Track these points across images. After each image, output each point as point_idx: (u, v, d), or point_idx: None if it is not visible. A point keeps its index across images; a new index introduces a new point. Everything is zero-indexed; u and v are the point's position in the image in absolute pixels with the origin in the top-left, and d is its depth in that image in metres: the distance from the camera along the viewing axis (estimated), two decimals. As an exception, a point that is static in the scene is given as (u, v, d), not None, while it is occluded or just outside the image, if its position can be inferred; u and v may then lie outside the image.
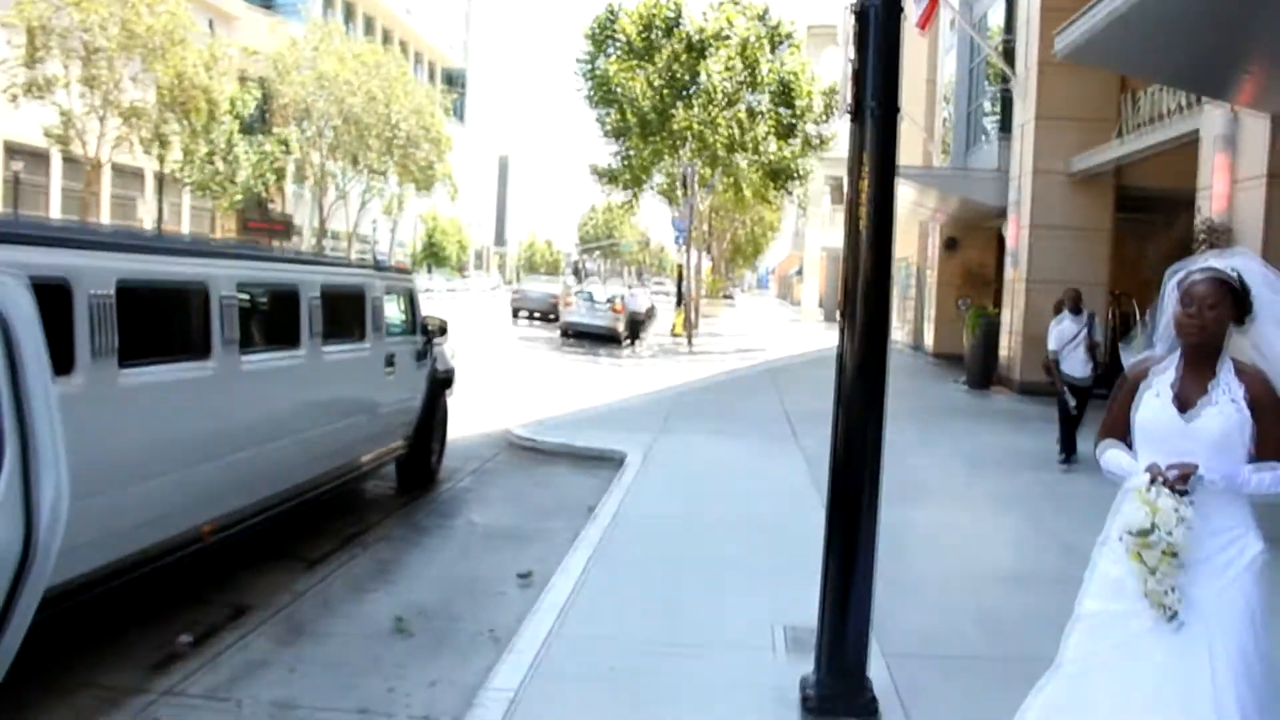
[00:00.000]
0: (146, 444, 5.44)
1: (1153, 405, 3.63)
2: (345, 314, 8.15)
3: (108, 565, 5.10)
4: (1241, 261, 3.60)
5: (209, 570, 6.68)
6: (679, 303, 37.36)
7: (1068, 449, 11.75)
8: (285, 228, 53.14)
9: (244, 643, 5.93)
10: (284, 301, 7.15)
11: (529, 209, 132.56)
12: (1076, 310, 11.86)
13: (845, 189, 4.87)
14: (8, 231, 4.56)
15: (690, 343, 31.85)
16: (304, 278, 7.36)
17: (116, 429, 5.18)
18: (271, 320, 7.04)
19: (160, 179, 41.01)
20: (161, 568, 5.71)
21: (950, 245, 26.81)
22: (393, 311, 9.37)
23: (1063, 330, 11.78)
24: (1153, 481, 3.48)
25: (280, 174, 49.34)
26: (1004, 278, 21.29)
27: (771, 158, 32.92)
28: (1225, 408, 3.51)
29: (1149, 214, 18.19)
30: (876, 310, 4.76)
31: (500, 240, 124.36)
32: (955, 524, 9.31)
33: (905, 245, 31.42)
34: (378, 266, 9.92)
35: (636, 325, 33.25)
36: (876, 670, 5.08)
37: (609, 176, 35.01)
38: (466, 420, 12.79)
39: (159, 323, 5.71)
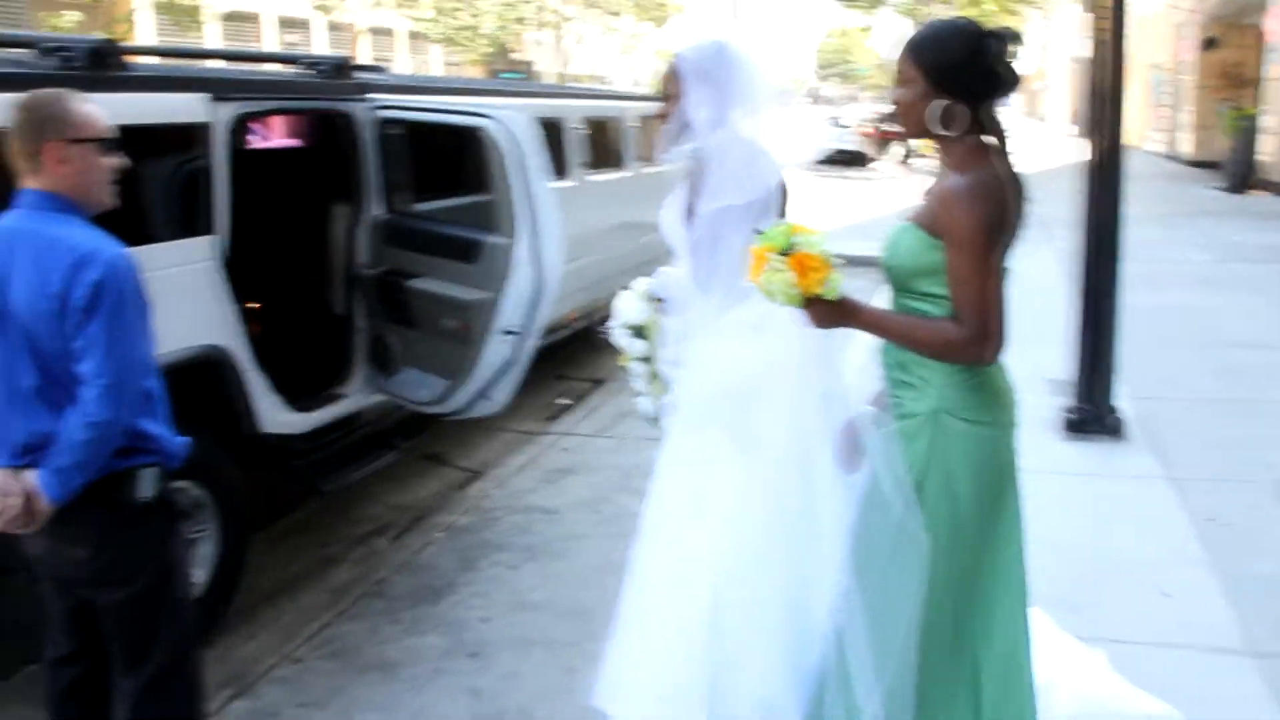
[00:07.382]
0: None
1: None
2: (649, 140, 9.58)
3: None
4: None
5: (563, 358, 8.28)
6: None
7: None
8: (528, 75, 54.99)
9: (612, 402, 7.55)
10: (610, 130, 8.57)
11: (758, 40, 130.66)
12: None
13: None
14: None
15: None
16: (623, 109, 8.81)
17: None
18: (604, 146, 8.42)
19: (412, 36, 43.10)
20: (551, 344, 7.18)
21: (1208, 45, 25.78)
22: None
23: None
24: None
25: (521, 21, 50.89)
26: (1264, 75, 20.75)
27: (1014, -35, 32.30)
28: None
29: None
30: (1114, 115, 5.80)
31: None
32: (1195, 304, 10.09)
33: (1155, 51, 30.35)
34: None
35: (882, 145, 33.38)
36: (1122, 406, 6.31)
37: (848, -1, 35.05)
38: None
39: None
